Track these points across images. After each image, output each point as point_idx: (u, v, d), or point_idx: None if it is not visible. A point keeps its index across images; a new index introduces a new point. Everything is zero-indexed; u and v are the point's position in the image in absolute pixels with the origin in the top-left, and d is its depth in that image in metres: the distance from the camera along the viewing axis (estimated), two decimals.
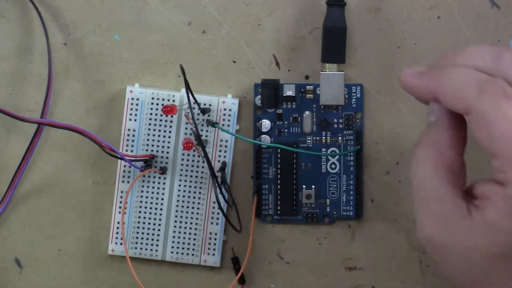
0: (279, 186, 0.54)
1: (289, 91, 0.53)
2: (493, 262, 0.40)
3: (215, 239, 0.54)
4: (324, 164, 0.54)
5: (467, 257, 0.41)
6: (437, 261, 0.43)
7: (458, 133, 0.43)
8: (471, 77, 0.41)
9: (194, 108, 0.52)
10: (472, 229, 0.41)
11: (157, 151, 0.53)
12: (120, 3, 0.53)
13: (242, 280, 0.54)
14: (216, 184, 0.51)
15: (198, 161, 0.53)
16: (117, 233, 0.54)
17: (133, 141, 0.53)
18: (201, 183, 0.53)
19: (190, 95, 0.50)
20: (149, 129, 0.53)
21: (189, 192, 0.53)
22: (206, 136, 0.53)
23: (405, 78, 0.44)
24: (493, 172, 0.40)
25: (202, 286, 0.55)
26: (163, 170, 0.53)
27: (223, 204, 0.52)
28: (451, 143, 0.43)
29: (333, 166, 0.54)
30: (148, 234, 0.54)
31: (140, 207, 0.54)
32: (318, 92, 0.53)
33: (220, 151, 0.53)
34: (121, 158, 0.51)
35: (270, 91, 0.53)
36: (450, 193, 0.42)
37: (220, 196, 0.51)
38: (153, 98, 0.53)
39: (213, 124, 0.52)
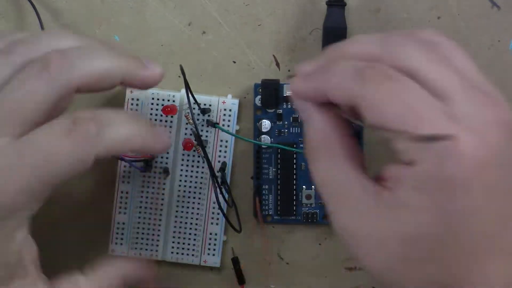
0: (279, 186, 0.54)
1: (289, 91, 0.53)
2: (407, 246, 0.40)
3: (215, 240, 0.54)
4: None
5: (383, 243, 0.41)
6: (355, 253, 0.42)
7: (334, 116, 0.43)
8: (352, 67, 0.41)
9: (194, 108, 0.52)
10: (385, 211, 0.41)
11: None
12: (120, 4, 0.53)
13: (242, 281, 0.54)
14: (216, 185, 0.51)
15: (198, 162, 0.53)
16: (117, 233, 0.54)
17: None
18: (201, 183, 0.53)
19: (190, 95, 0.50)
20: None
21: (189, 192, 0.53)
22: (206, 136, 0.53)
23: (296, 88, 0.44)
24: (397, 155, 0.40)
25: (202, 287, 0.55)
26: (163, 171, 0.53)
27: (223, 205, 0.52)
28: (332, 128, 0.43)
29: None
30: (148, 234, 0.54)
31: (140, 207, 0.54)
32: None
33: (220, 151, 0.53)
34: (121, 159, 0.51)
35: (270, 91, 0.53)
36: (355, 177, 0.42)
37: (220, 196, 0.51)
38: (153, 99, 0.53)
39: (213, 124, 0.52)
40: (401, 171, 0.41)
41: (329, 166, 0.43)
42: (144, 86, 0.47)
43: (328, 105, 0.43)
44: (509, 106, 0.41)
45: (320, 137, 0.43)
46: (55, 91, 0.44)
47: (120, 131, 0.45)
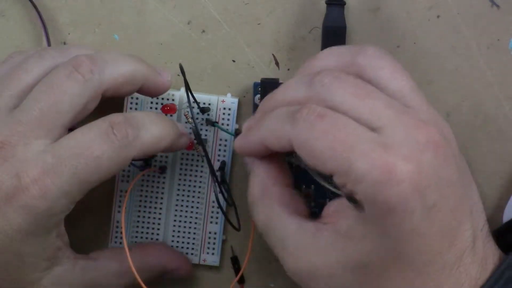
0: None
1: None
2: (358, 273, 0.42)
3: (215, 238, 0.54)
4: None
5: (333, 276, 0.42)
6: None
7: (274, 167, 0.46)
8: (283, 113, 0.43)
9: (193, 107, 0.52)
10: (329, 245, 0.42)
11: None
12: (119, 3, 0.53)
13: (241, 280, 0.54)
14: (216, 183, 0.51)
15: (197, 161, 0.53)
16: (116, 232, 0.54)
17: None
18: (200, 182, 0.53)
19: (190, 94, 0.50)
20: None
21: (189, 191, 0.53)
22: (206, 135, 0.53)
23: (238, 145, 0.47)
24: (340, 189, 0.42)
25: (201, 286, 0.55)
26: (162, 170, 0.53)
27: (223, 203, 0.52)
28: (270, 179, 0.46)
29: None
30: (147, 233, 0.54)
31: (140, 206, 0.54)
32: None
33: (219, 150, 0.53)
34: None
35: (269, 90, 0.52)
36: (293, 223, 0.44)
37: (219, 195, 0.51)
38: (152, 97, 0.53)
39: (212, 123, 0.52)
40: (342, 204, 0.42)
41: (268, 215, 0.45)
42: (158, 92, 0.49)
43: (270, 157, 0.45)
44: (442, 123, 0.43)
45: (259, 188, 0.46)
46: (87, 93, 0.45)
47: (154, 133, 0.46)
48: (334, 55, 0.45)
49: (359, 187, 0.40)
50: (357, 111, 0.41)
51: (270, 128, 0.44)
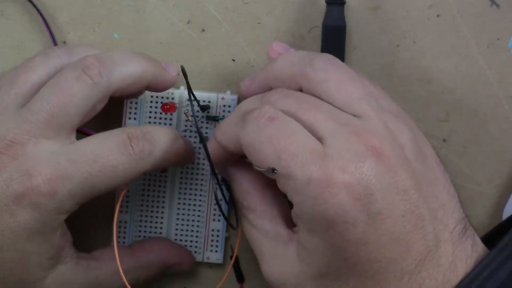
0: None
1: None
2: (320, 283, 0.42)
3: (218, 236, 0.54)
4: None
5: (300, 286, 0.43)
6: None
7: (253, 172, 0.46)
8: (237, 114, 0.45)
9: (193, 105, 0.52)
10: (295, 256, 0.43)
11: None
12: (119, 2, 0.53)
13: (241, 279, 0.54)
14: (216, 181, 0.51)
15: (199, 158, 0.53)
16: (119, 231, 0.54)
17: None
18: (202, 180, 0.54)
19: (191, 96, 0.50)
20: None
21: (190, 189, 0.54)
22: (206, 133, 0.53)
23: (210, 149, 0.46)
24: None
25: (205, 283, 0.55)
26: (163, 168, 0.53)
27: (223, 203, 0.52)
28: (251, 184, 0.47)
29: None
30: (150, 232, 0.54)
31: (142, 205, 0.54)
32: None
33: None
34: None
35: None
36: (271, 229, 0.45)
37: (219, 193, 0.51)
38: (152, 96, 0.53)
39: (213, 118, 0.52)
40: (293, 214, 0.43)
41: (251, 220, 0.46)
42: (164, 88, 0.50)
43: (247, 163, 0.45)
44: (398, 127, 0.43)
45: (240, 194, 0.47)
46: (95, 95, 0.46)
47: (168, 150, 0.47)
48: (287, 62, 0.46)
49: (297, 198, 0.41)
50: (305, 121, 0.42)
51: (224, 129, 0.45)
